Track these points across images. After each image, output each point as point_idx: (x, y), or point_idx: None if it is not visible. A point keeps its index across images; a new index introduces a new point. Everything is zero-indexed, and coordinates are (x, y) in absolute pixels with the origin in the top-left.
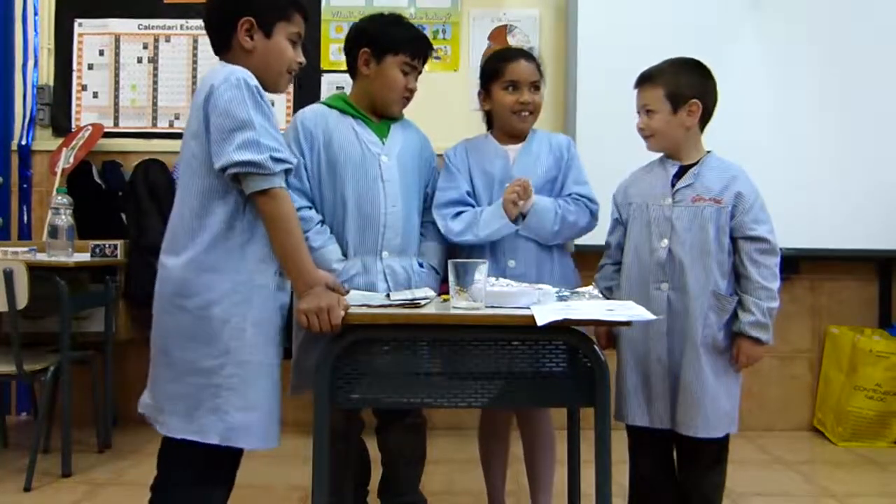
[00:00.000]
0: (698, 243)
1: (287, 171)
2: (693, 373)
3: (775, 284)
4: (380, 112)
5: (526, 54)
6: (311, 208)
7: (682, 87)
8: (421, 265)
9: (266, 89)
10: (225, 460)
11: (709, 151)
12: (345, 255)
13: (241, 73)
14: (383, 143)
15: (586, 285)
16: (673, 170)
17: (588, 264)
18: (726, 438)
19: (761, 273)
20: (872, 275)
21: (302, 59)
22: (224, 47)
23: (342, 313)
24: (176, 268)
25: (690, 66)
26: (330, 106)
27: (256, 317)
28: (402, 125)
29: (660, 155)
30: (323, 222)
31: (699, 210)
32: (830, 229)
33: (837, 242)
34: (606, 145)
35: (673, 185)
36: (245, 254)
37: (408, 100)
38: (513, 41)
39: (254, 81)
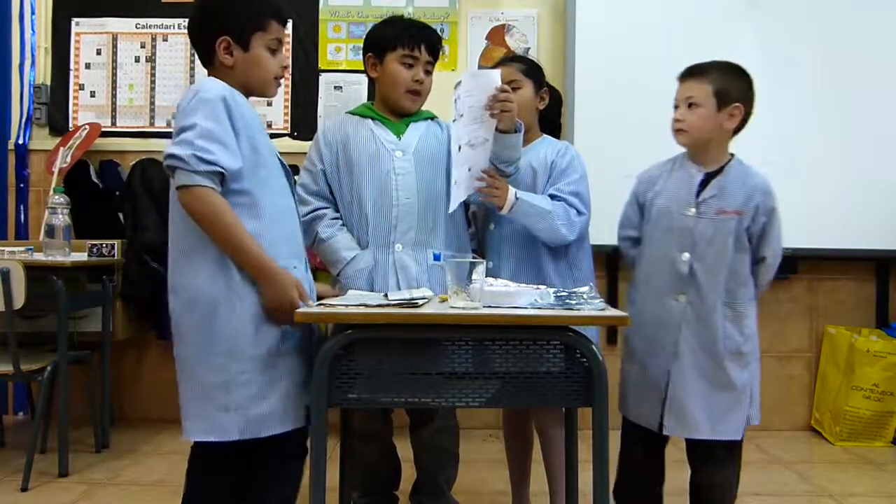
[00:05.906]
0: (718, 256)
1: (219, 176)
2: (719, 379)
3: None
4: (395, 110)
5: (509, 59)
6: (326, 208)
7: (730, 89)
8: (437, 257)
9: (256, 96)
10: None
11: (732, 155)
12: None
13: (207, 88)
14: (399, 140)
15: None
16: (699, 177)
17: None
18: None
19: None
20: (870, 275)
21: (285, 62)
22: (208, 63)
23: (299, 302)
24: (174, 267)
25: (738, 70)
26: (351, 113)
27: (251, 310)
28: (424, 122)
29: (681, 150)
30: (338, 219)
31: (722, 223)
32: (829, 229)
33: (835, 242)
34: (604, 145)
35: (697, 195)
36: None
37: (417, 93)
38: (511, 41)
39: (219, 94)
